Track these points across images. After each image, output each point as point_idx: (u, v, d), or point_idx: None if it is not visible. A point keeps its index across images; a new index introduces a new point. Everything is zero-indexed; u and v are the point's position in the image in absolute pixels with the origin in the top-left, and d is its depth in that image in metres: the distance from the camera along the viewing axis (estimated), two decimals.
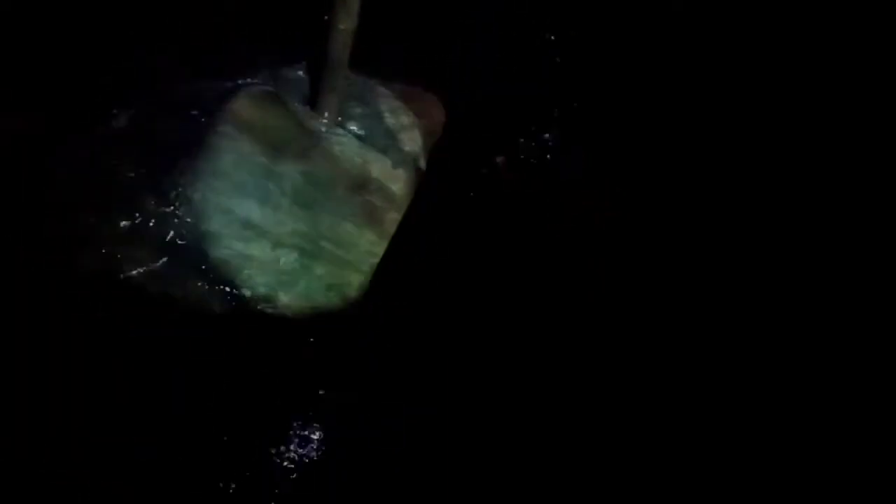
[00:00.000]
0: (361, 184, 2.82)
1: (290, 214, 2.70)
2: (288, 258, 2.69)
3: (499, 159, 2.55)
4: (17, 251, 2.14)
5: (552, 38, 2.65)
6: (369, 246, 2.79)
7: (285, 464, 2.35)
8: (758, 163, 2.25)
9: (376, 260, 2.79)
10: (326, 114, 2.88)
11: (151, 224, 2.53)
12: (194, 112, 2.63)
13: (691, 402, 1.85)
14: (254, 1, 2.80)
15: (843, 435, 1.72)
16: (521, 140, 2.70)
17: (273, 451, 2.37)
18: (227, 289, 2.63)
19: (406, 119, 3.05)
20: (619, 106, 2.66)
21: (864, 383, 1.81)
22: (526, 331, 2.32)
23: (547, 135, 2.67)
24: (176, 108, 2.64)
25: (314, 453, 2.39)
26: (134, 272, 2.45)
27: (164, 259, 2.54)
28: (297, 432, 2.46)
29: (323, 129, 2.87)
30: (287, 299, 2.70)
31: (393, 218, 2.84)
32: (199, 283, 2.60)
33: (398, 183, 2.91)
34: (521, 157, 2.70)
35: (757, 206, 2.20)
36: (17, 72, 2.47)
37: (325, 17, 2.61)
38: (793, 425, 1.75)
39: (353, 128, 2.98)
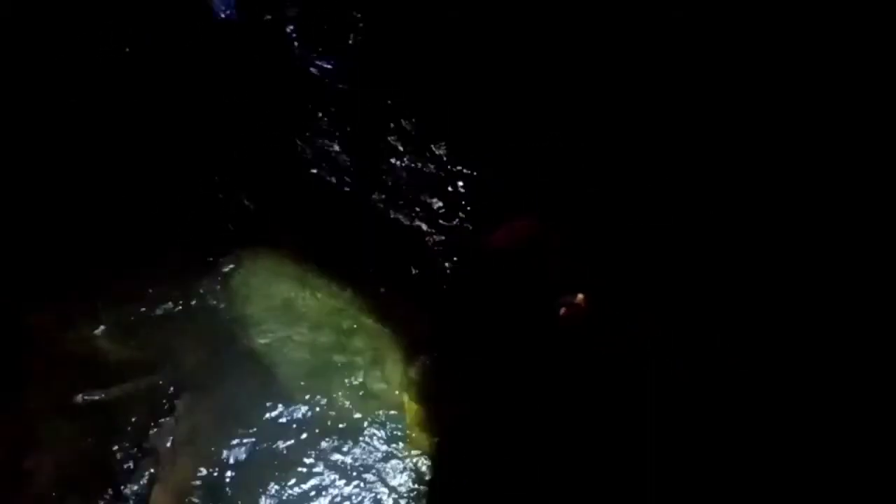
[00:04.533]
0: None
1: (328, 295, 2.83)
2: (325, 339, 2.77)
3: (563, 309, 2.42)
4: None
5: (551, 41, 2.68)
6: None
7: None
8: (760, 167, 2.20)
9: (413, 324, 2.83)
10: None
11: (199, 311, 2.70)
12: (235, 203, 2.88)
13: (694, 409, 1.73)
14: (254, 1, 2.99)
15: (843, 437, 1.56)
16: (521, 145, 2.73)
17: None
18: (268, 368, 2.71)
19: None
20: (619, 109, 2.64)
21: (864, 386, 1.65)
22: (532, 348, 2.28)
23: (547, 138, 2.67)
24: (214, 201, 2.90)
25: None
26: (183, 357, 2.58)
27: (211, 342, 2.68)
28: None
29: None
30: (325, 378, 2.75)
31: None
32: (243, 364, 2.70)
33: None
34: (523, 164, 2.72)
35: (759, 211, 2.13)
36: (17, 72, 2.59)
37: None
38: (794, 429, 1.60)
39: None
